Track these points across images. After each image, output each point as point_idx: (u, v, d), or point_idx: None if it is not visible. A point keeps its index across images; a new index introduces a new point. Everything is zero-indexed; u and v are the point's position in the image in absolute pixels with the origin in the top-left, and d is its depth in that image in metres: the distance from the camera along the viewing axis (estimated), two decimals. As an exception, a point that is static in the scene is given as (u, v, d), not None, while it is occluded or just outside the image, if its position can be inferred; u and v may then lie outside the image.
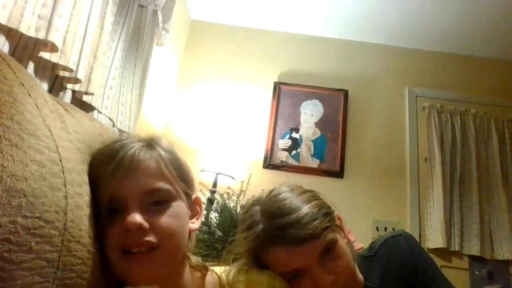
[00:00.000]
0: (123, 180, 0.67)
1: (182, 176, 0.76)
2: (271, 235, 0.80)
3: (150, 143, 0.74)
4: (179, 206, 0.72)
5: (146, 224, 0.65)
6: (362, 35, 2.89)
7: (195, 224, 0.80)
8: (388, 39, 2.89)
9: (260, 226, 0.82)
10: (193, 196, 0.81)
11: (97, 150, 0.74)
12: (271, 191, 0.89)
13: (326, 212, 0.84)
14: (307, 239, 0.77)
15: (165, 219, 0.67)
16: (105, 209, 0.67)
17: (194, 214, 0.80)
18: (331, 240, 0.80)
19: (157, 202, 0.69)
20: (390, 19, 2.67)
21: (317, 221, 0.79)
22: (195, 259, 0.81)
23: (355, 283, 0.89)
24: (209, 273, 0.82)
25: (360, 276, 0.92)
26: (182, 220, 0.72)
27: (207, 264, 0.84)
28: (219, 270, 0.84)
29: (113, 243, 0.66)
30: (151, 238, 0.65)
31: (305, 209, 0.81)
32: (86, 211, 0.63)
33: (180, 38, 2.80)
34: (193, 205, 0.80)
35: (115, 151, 0.69)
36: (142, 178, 0.68)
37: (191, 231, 0.78)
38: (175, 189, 0.73)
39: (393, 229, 2.42)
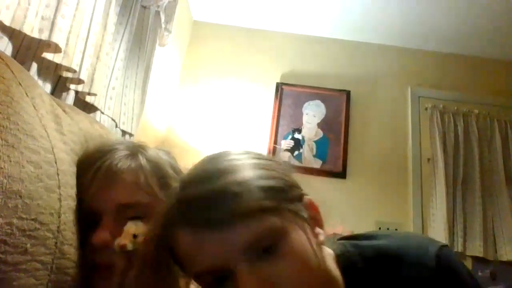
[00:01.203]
0: (99, 191, 0.64)
1: (167, 188, 0.69)
2: (177, 210, 0.53)
3: (134, 152, 0.70)
4: None
5: (112, 243, 0.61)
6: (364, 35, 2.88)
7: None
8: (390, 40, 2.88)
9: (172, 198, 0.55)
10: None
11: (83, 154, 0.70)
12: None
13: (276, 187, 0.53)
14: (225, 219, 0.49)
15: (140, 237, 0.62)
16: (84, 219, 0.64)
17: None
18: (274, 229, 0.50)
19: (134, 217, 0.65)
20: (392, 19, 2.66)
21: (252, 194, 0.50)
22: None
23: None
24: None
25: (340, 282, 0.59)
26: None
27: None
28: None
29: (86, 257, 0.63)
30: (115, 258, 0.61)
31: (237, 175, 0.52)
32: (78, 214, 0.62)
33: (182, 39, 2.80)
34: None
35: (95, 159, 0.66)
36: (118, 190, 0.65)
37: None
38: (155, 204, 0.66)
39: (396, 229, 2.41)
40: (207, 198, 0.50)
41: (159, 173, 0.70)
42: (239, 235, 0.49)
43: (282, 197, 0.54)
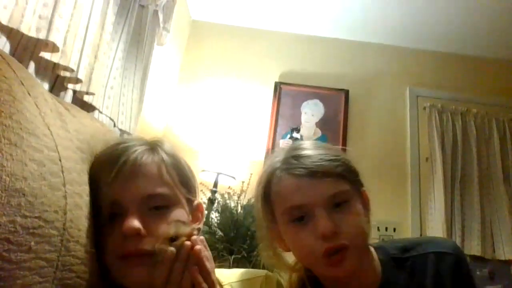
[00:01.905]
0: (125, 184, 0.67)
1: (184, 181, 0.76)
2: (285, 163, 0.77)
3: (153, 147, 0.74)
4: (179, 213, 0.72)
5: (143, 231, 0.64)
6: (363, 35, 2.89)
7: None
8: (389, 39, 2.88)
9: (278, 158, 0.80)
10: (195, 202, 0.80)
11: (100, 151, 0.73)
12: None
13: (350, 167, 0.80)
14: (319, 174, 0.73)
15: (163, 226, 0.67)
16: (107, 213, 0.67)
17: (195, 220, 0.80)
18: (346, 191, 0.75)
19: (156, 207, 0.69)
20: (391, 19, 2.67)
21: (335, 163, 0.76)
22: None
23: (367, 262, 0.80)
24: None
25: (378, 266, 0.81)
26: None
27: None
28: (219, 272, 0.83)
29: (111, 248, 0.66)
30: (147, 246, 0.64)
31: (327, 150, 0.79)
32: (85, 211, 0.63)
33: (181, 38, 2.80)
34: (195, 211, 0.80)
35: (118, 155, 0.69)
36: (143, 183, 0.69)
37: None
38: (175, 195, 0.72)
39: (394, 229, 2.42)
40: (309, 157, 0.75)
41: (177, 166, 0.76)
42: (327, 187, 0.73)
43: (353, 176, 0.80)
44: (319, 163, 0.74)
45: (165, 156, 0.74)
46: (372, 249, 0.84)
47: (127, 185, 0.67)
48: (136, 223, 0.64)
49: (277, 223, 0.79)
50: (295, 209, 0.74)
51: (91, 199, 0.66)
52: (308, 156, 0.76)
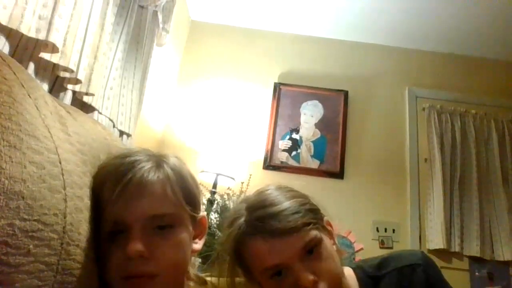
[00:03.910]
0: (129, 202, 0.66)
1: (189, 198, 0.74)
2: (251, 226, 0.77)
3: (159, 163, 0.73)
4: (183, 232, 0.71)
5: (147, 253, 0.64)
6: (362, 35, 2.89)
7: (198, 244, 0.79)
8: (388, 40, 2.88)
9: (242, 219, 0.80)
10: (199, 216, 0.79)
11: (104, 162, 0.72)
12: (258, 189, 0.88)
13: (311, 209, 0.81)
14: (287, 231, 0.74)
15: (167, 250, 0.67)
16: (109, 230, 0.66)
17: (198, 233, 0.79)
18: (315, 238, 0.76)
19: (160, 226, 0.68)
20: (390, 19, 2.67)
21: (299, 215, 0.77)
22: (193, 273, 0.80)
23: (344, 285, 0.83)
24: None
25: (355, 286, 0.88)
26: (184, 247, 0.71)
27: (205, 275, 0.84)
28: (218, 282, 0.83)
29: (114, 268, 0.65)
30: (151, 269, 0.64)
31: (288, 203, 0.79)
32: (86, 214, 0.62)
33: (180, 39, 2.80)
34: (198, 225, 0.79)
35: (123, 170, 0.68)
36: (147, 202, 0.67)
37: (193, 252, 0.77)
38: (180, 213, 0.71)
39: (393, 230, 2.42)
40: (274, 217, 0.76)
41: (182, 182, 0.74)
42: (295, 242, 0.74)
43: (316, 216, 0.81)
44: (286, 220, 0.75)
45: (170, 173, 0.72)
46: (349, 270, 0.91)
47: (132, 204, 0.66)
48: (139, 246, 0.63)
49: (254, 278, 0.81)
50: (271, 268, 0.76)
51: (92, 206, 0.65)
52: (273, 216, 0.76)
